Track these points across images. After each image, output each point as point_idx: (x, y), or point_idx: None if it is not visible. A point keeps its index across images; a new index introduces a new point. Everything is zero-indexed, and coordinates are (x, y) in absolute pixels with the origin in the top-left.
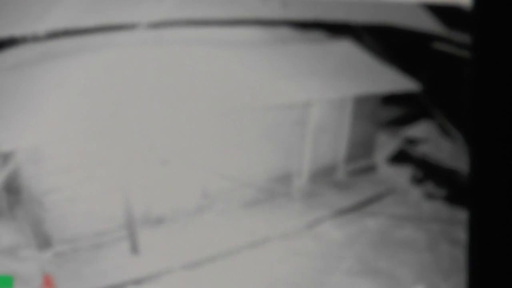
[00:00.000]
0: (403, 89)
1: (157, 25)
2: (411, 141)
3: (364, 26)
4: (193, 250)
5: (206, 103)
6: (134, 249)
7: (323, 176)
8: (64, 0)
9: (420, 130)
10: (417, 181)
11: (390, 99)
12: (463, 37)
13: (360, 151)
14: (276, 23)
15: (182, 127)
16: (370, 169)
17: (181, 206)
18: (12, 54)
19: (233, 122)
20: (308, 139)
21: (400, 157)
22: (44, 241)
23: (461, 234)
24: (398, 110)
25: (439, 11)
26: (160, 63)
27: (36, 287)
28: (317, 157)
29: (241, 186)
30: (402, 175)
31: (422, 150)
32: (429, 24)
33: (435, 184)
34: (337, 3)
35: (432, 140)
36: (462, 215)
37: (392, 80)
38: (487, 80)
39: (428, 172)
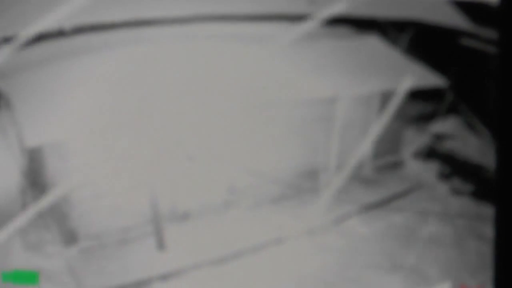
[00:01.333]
0: (430, 85)
1: (184, 20)
2: (438, 137)
3: (391, 22)
4: (219, 246)
5: (233, 99)
6: (160, 244)
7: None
8: None
9: (447, 125)
10: (444, 177)
11: (417, 95)
12: (490, 33)
13: (387, 147)
14: (303, 18)
15: (209, 123)
16: (397, 165)
17: (207, 201)
18: (39, 50)
19: (260, 118)
20: (334, 134)
21: (427, 153)
22: (70, 237)
23: (488, 230)
24: (425, 106)
25: (466, 7)
26: (187, 59)
27: (62, 283)
28: (344, 153)
29: (268, 182)
30: (429, 171)
31: (449, 146)
32: (456, 19)
33: (462, 180)
34: None
35: (459, 135)
36: (489, 211)
37: (419, 76)
38: None
39: (455, 168)
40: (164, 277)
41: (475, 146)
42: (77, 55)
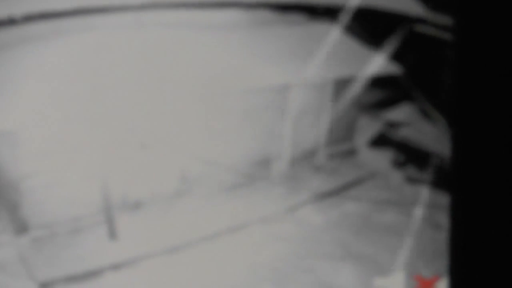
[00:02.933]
0: (385, 72)
1: (136, 8)
2: (392, 125)
3: (345, 8)
4: (172, 235)
5: (185, 87)
6: (112, 234)
7: (304, 160)
8: None
9: (402, 113)
10: (399, 165)
11: (371, 82)
12: (445, 19)
13: (340, 135)
14: (255, 5)
15: (161, 111)
16: (350, 153)
17: (159, 190)
18: None
19: (212, 106)
20: (288, 122)
21: (381, 141)
22: (21, 226)
23: (444, 219)
24: (380, 93)
25: None
26: (139, 47)
27: (13, 273)
28: (297, 141)
29: (221, 171)
30: (383, 159)
31: (403, 133)
32: (410, 6)
33: (417, 168)
34: None
35: (414, 123)
36: (444, 199)
37: (373, 63)
38: (469, 62)
39: (410, 155)
40: (116, 267)
41: (430, 133)
42: (28, 43)
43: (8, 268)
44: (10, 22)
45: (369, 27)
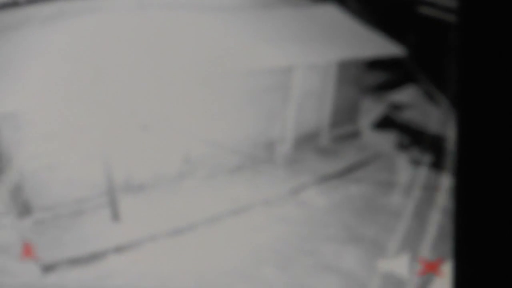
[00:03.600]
0: (388, 54)
1: None
2: (396, 107)
3: None
4: (175, 217)
5: (188, 68)
6: (115, 216)
7: (307, 142)
8: None
9: (406, 95)
10: (403, 147)
11: (375, 64)
12: (449, 1)
13: (344, 117)
14: None
15: (164, 93)
16: (354, 135)
17: (162, 172)
18: None
19: (215, 88)
20: (291, 104)
21: (385, 123)
22: (24, 209)
23: (448, 201)
24: (383, 75)
25: None
26: (142, 28)
27: (16, 255)
28: (300, 123)
29: (224, 152)
30: (387, 141)
31: (407, 115)
32: None
33: (421, 150)
34: None
35: (418, 105)
36: (448, 181)
37: (377, 45)
38: (473, 44)
39: (414, 138)
40: (119, 249)
41: (434, 115)
42: (32, 25)
43: (11, 251)
44: (13, 3)
45: (373, 9)
